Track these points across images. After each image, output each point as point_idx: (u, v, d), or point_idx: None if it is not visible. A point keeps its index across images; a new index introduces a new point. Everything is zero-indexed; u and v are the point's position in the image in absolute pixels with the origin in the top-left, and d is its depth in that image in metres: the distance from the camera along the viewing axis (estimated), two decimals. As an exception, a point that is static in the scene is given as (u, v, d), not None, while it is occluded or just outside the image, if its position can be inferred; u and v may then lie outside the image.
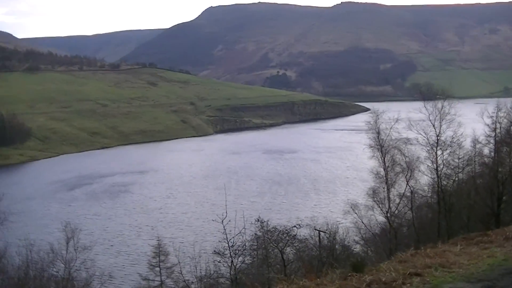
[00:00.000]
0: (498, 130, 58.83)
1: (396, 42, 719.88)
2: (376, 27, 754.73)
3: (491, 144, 64.15)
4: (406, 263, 20.27)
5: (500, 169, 50.26)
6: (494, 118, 63.73)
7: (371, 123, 57.48)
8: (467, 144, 59.64)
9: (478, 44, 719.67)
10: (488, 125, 66.87)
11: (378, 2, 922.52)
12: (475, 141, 60.59)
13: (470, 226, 49.19)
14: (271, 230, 49.65)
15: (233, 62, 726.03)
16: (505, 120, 63.79)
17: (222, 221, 23.75)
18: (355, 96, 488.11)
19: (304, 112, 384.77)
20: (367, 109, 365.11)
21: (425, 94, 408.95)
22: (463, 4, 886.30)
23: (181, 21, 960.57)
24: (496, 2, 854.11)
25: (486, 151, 62.85)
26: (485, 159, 60.38)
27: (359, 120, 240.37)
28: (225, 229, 23.71)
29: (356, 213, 60.13)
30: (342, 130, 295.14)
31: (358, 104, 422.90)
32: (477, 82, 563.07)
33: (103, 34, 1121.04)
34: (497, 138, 64.62)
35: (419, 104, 58.34)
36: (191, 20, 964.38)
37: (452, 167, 56.10)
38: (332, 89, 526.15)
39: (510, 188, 48.00)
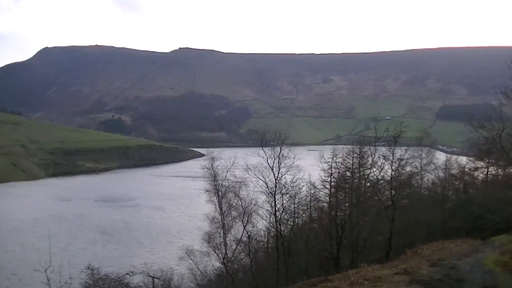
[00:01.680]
0: (333, 176, 59.52)
1: (231, 89, 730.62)
2: (212, 74, 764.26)
3: (327, 189, 65.06)
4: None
5: (338, 213, 50.31)
6: (330, 164, 64.82)
7: (207, 166, 56.39)
8: (305, 188, 59.76)
9: (311, 93, 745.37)
10: (324, 170, 67.91)
11: (216, 49, 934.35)
12: (310, 186, 60.93)
13: (309, 271, 48.89)
14: (103, 277, 47.24)
15: (68, 105, 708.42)
16: (341, 165, 65.05)
17: (46, 270, 21.18)
18: (190, 141, 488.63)
19: (139, 157, 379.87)
20: (202, 155, 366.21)
21: (261, 139, 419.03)
22: (298, 54, 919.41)
23: (15, 61, 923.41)
24: (329, 53, 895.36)
25: (322, 195, 63.47)
26: (322, 203, 60.79)
27: (195, 166, 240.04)
28: (48, 280, 21.07)
29: (192, 259, 58.69)
30: (178, 176, 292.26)
31: (192, 150, 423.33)
32: (310, 130, 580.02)
33: None
34: (332, 183, 65.71)
35: (254, 150, 57.97)
36: (25, 60, 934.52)
37: (290, 212, 55.80)
38: (167, 134, 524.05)
39: (349, 232, 48.02)
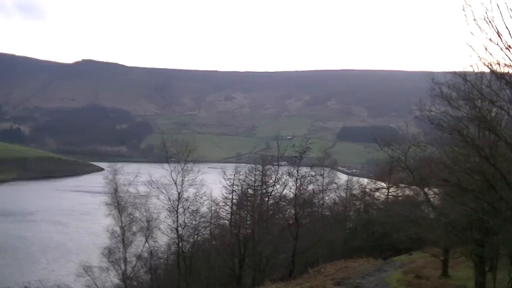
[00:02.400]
0: (236, 193, 59.10)
1: (134, 103, 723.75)
2: (115, 87, 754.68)
3: (228, 206, 64.56)
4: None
5: (241, 231, 49.52)
6: (232, 181, 64.41)
7: (109, 178, 54.78)
8: (207, 204, 58.97)
9: (213, 110, 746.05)
10: (226, 187, 67.46)
11: (119, 62, 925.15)
12: (212, 203, 60.22)
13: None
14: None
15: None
16: (244, 183, 64.72)
17: None
18: (90, 155, 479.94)
19: (37, 169, 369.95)
20: (101, 169, 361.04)
21: (166, 151, 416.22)
22: (202, 70, 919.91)
23: None
24: (233, 71, 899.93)
25: (223, 212, 62.93)
26: (224, 221, 60.15)
27: (95, 180, 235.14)
28: None
29: (89, 276, 56.83)
30: (78, 191, 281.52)
31: (92, 164, 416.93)
32: (211, 147, 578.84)
33: None
34: (234, 200, 65.28)
35: (155, 165, 56.75)
36: None
37: (192, 228, 54.62)
38: (67, 146, 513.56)
39: (251, 250, 47.30)
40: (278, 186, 58.81)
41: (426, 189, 41.61)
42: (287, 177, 55.95)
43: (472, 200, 31.88)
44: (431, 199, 42.09)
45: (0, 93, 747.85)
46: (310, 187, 64.73)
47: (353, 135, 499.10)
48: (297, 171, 52.56)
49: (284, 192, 56.70)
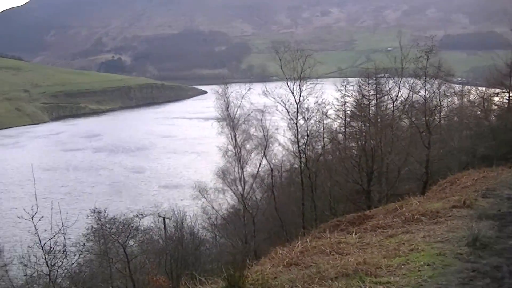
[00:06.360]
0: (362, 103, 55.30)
1: (229, 24, 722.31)
2: (210, 10, 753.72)
3: (341, 119, 60.94)
4: (298, 265, 14.05)
5: (366, 142, 44.91)
6: (343, 92, 60.74)
7: (219, 92, 50.96)
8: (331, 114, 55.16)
9: (310, 26, 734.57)
10: (337, 99, 63.48)
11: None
12: (323, 116, 55.79)
13: (336, 206, 44.48)
14: (110, 221, 43.09)
15: (67, 48, 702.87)
16: (355, 93, 61.01)
17: (32, 218, 16.93)
18: (191, 79, 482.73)
19: (141, 96, 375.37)
20: (204, 92, 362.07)
21: (262, 74, 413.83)
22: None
23: (10, 7, 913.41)
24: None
25: (335, 125, 59.49)
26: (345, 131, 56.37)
27: (203, 105, 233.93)
28: (36, 228, 16.83)
29: (205, 198, 54.20)
30: (191, 118, 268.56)
31: (195, 87, 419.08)
32: (311, 63, 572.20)
33: None
34: (347, 112, 61.51)
35: (258, 85, 53.14)
36: (21, 5, 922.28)
37: (315, 140, 50.38)
38: (168, 72, 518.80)
39: (380, 162, 43.03)
40: (402, 92, 54.00)
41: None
42: (415, 79, 50.65)
43: None
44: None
45: (98, 25, 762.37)
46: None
47: (455, 43, 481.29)
48: (425, 72, 47.22)
49: (413, 97, 51.70)
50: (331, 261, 13.57)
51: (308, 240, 17.29)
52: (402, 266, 12.87)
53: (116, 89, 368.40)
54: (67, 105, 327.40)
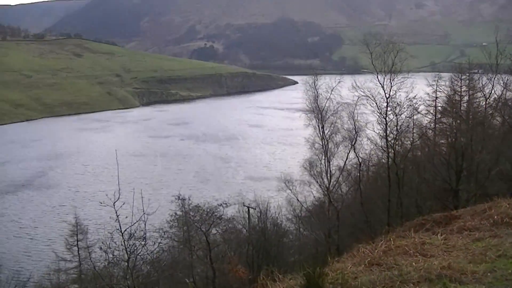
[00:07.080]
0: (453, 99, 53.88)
1: (323, 15, 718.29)
2: (302, 0, 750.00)
3: (431, 115, 59.62)
4: (380, 266, 13.56)
5: (456, 139, 43.44)
6: (435, 87, 59.37)
7: (309, 83, 50.27)
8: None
9: (404, 19, 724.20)
10: (428, 94, 62.11)
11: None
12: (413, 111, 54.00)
13: (422, 204, 43.26)
14: (194, 208, 43.21)
15: (160, 34, 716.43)
16: (447, 88, 59.56)
17: (114, 204, 16.86)
18: (282, 69, 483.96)
19: (232, 84, 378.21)
20: (295, 82, 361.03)
21: (354, 66, 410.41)
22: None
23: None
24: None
25: (425, 121, 58.18)
26: (445, 127, 54.87)
27: (293, 96, 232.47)
28: (117, 214, 16.80)
29: (290, 189, 53.79)
30: (282, 109, 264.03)
31: (285, 77, 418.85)
32: (403, 56, 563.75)
33: (26, 4, 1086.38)
34: (438, 108, 60.16)
35: (348, 77, 52.42)
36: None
37: (404, 136, 48.83)
38: (259, 61, 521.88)
39: (469, 160, 41.54)
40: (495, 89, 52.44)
41: None
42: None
43: None
44: None
45: (192, 13, 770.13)
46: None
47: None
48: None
49: (506, 95, 50.05)
50: (414, 263, 13.32)
51: (391, 239, 16.88)
52: (489, 274, 12.41)
53: (207, 77, 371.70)
54: (157, 91, 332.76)
